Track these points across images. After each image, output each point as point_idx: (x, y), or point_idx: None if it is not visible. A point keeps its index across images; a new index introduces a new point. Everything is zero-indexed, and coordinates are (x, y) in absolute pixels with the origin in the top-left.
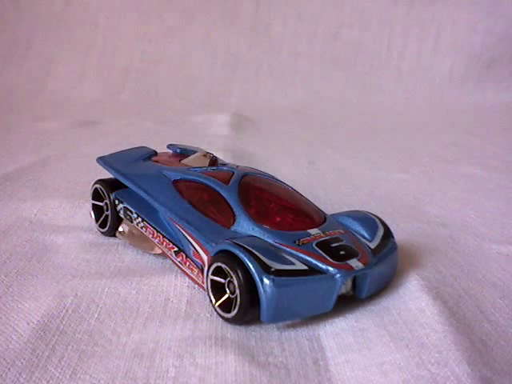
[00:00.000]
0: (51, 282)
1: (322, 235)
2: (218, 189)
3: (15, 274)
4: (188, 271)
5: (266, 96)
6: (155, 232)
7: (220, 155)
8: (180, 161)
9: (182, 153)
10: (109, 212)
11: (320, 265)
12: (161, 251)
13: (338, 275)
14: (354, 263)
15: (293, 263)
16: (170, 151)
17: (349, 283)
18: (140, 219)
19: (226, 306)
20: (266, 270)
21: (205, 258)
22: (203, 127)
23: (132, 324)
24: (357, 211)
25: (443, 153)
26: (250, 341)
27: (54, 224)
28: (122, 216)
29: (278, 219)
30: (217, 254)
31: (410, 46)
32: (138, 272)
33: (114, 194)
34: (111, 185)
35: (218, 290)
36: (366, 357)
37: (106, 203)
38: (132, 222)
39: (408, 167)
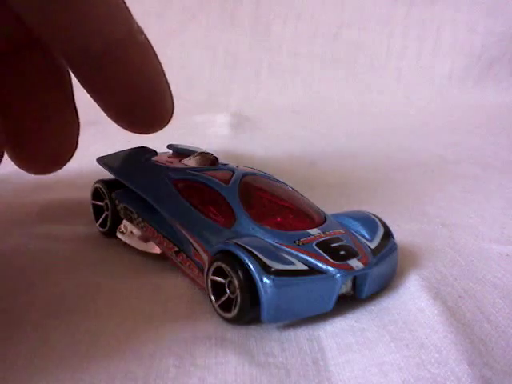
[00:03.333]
0: (51, 281)
1: (322, 235)
2: (218, 189)
3: (15, 275)
4: (188, 271)
5: (266, 96)
6: (155, 232)
7: (220, 155)
8: (180, 161)
9: (182, 153)
10: (109, 212)
11: (320, 265)
12: (161, 251)
13: (338, 275)
14: (354, 263)
15: (293, 263)
16: (170, 151)
17: (349, 283)
18: (140, 219)
19: (226, 306)
20: (266, 269)
21: (205, 258)
22: (203, 127)
23: (132, 324)
24: (357, 211)
25: (443, 153)
26: (249, 341)
27: (54, 224)
28: (122, 216)
29: (278, 219)
30: (217, 254)
31: (410, 46)
32: (138, 272)
33: (114, 193)
34: (111, 185)
35: (218, 289)
36: (366, 357)
37: (106, 203)
38: (132, 222)
39: (408, 167)
